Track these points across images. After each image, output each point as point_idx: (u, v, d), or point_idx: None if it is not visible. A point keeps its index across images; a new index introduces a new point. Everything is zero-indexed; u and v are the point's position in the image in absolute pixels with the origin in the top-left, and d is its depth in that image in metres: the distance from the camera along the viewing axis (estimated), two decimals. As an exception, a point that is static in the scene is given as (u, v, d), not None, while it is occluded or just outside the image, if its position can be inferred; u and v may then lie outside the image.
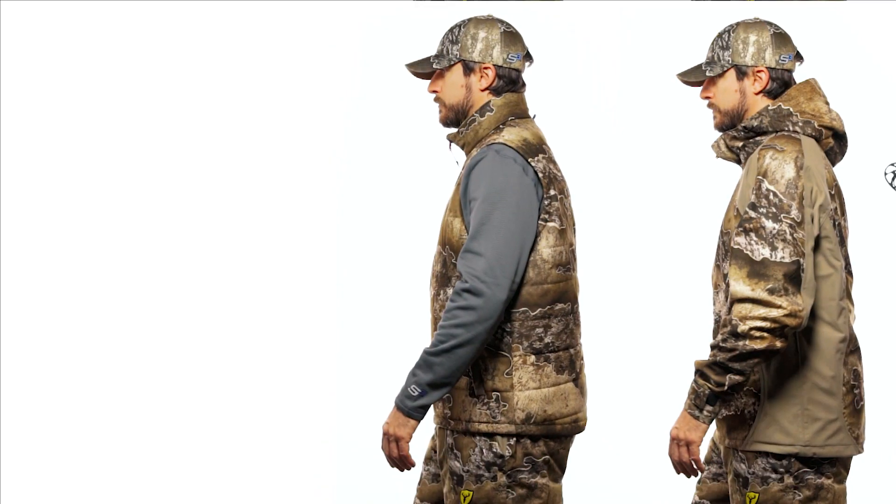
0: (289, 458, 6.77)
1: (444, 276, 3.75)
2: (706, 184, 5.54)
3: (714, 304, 3.69)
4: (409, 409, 3.64)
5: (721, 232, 3.65)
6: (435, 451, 3.95)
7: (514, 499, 3.71)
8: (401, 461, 3.72)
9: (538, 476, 3.73)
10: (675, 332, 6.44)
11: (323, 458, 6.80)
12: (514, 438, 3.70)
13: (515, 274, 3.62)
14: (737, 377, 3.45)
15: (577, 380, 3.80)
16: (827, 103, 3.67)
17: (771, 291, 3.41)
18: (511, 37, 3.82)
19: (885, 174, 4.31)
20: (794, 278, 3.42)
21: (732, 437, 3.63)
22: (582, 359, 3.85)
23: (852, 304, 3.66)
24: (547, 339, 3.71)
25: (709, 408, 3.48)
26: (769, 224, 3.45)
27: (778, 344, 3.41)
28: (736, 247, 3.47)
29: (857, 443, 3.63)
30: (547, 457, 3.74)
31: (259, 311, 6.88)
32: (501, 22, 3.84)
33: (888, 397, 5.80)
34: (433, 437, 3.96)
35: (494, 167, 3.64)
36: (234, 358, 6.84)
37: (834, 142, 3.67)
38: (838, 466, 3.62)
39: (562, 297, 3.74)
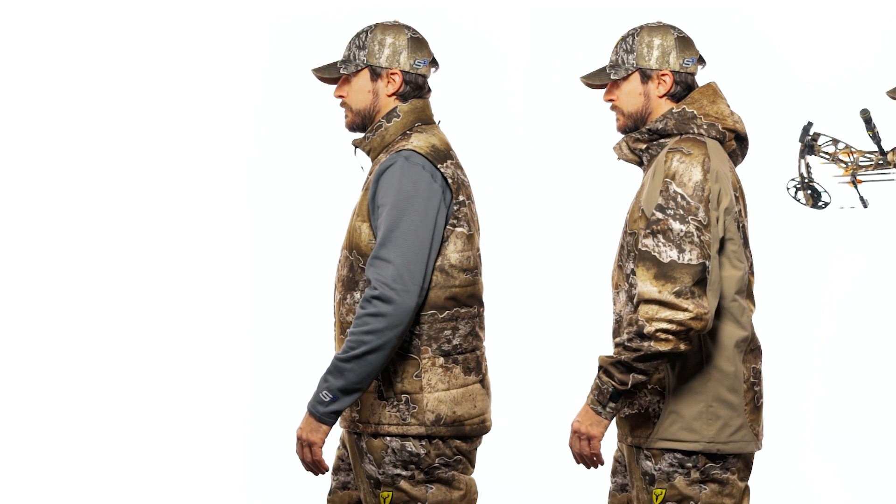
0: (198, 459, 6.76)
1: (350, 281, 3.76)
2: (608, 185, 5.58)
3: (615, 304, 3.72)
4: (321, 414, 3.65)
5: (624, 232, 3.68)
6: (342, 460, 3.95)
7: (434, 493, 3.74)
8: (314, 465, 3.73)
9: (454, 470, 3.77)
10: (575, 332, 6.50)
11: (232, 459, 6.78)
12: (426, 439, 3.72)
13: (424, 280, 3.65)
14: (640, 377, 3.48)
15: (483, 381, 3.84)
16: (728, 106, 3.71)
17: (678, 294, 3.44)
18: (418, 43, 3.84)
19: (788, 189, 4.36)
20: (700, 281, 3.46)
21: (636, 436, 3.66)
22: (486, 361, 3.88)
23: (754, 304, 3.70)
24: (455, 342, 3.75)
25: (611, 404, 3.52)
26: (677, 226, 3.49)
27: (682, 346, 3.45)
28: (644, 248, 3.51)
29: (758, 439, 3.68)
30: (459, 456, 3.77)
31: (168, 313, 6.87)
32: (408, 28, 3.86)
33: (785, 396, 5.90)
34: (339, 447, 3.97)
35: (403, 174, 3.66)
36: (144, 359, 6.83)
37: (736, 144, 3.72)
38: (741, 462, 3.67)
39: (469, 300, 3.78)
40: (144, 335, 6.84)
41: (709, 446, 3.59)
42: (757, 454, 3.76)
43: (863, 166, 4.27)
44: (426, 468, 3.73)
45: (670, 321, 3.43)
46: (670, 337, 3.44)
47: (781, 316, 6.26)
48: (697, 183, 3.51)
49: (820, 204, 4.34)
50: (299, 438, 3.70)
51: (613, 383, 3.50)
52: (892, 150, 4.16)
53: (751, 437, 3.65)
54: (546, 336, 6.83)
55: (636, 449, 3.67)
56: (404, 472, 3.73)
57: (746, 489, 3.70)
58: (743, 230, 3.65)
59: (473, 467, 3.86)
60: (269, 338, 6.94)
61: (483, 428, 3.83)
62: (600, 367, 3.53)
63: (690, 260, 3.46)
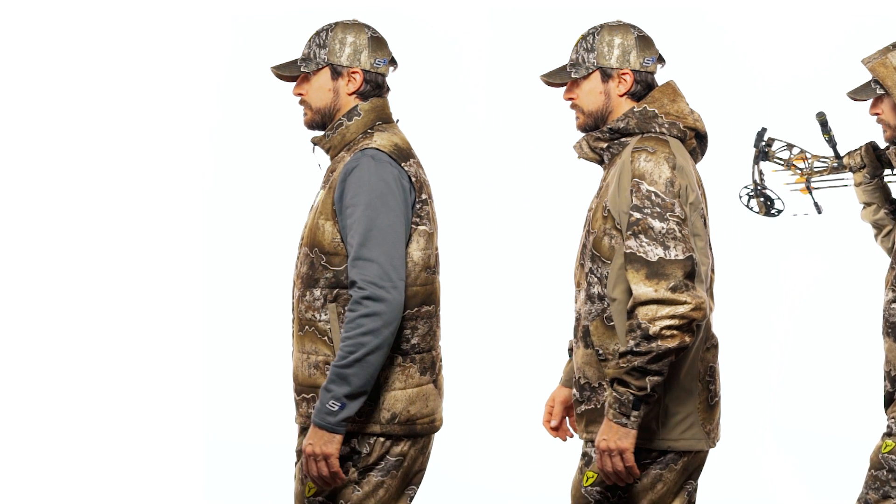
0: (156, 457, 6.72)
1: (310, 278, 3.76)
2: (567, 184, 5.59)
3: (575, 301, 3.73)
4: (333, 424, 3.63)
5: (586, 231, 3.69)
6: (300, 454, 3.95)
7: (359, 495, 3.75)
8: (332, 477, 3.69)
9: (388, 476, 3.77)
10: (532, 331, 6.51)
11: (191, 458, 6.75)
12: (375, 437, 3.73)
13: (406, 275, 3.68)
14: (656, 378, 3.47)
15: (437, 381, 3.85)
16: (688, 104, 3.73)
17: (674, 289, 3.45)
18: (378, 42, 3.86)
19: (740, 196, 4.36)
20: (691, 273, 3.48)
21: (590, 431, 3.67)
22: (441, 360, 3.90)
23: (713, 301, 3.72)
24: (413, 341, 3.76)
25: (635, 413, 3.49)
26: (657, 224, 3.49)
27: (688, 339, 3.46)
28: (629, 251, 3.51)
29: (709, 438, 3.69)
30: (400, 458, 3.78)
31: (126, 311, 6.84)
32: (368, 27, 3.87)
33: (742, 393, 5.93)
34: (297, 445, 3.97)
35: (373, 172, 3.67)
36: (102, 359, 6.79)
37: (696, 142, 3.74)
38: (689, 458, 3.68)
39: (427, 299, 3.79)
40: (102, 334, 6.81)
41: (660, 443, 3.61)
42: (714, 450, 3.77)
43: (818, 171, 4.27)
44: (362, 468, 3.74)
45: (672, 316, 3.44)
46: (675, 332, 3.44)
47: (739, 314, 6.29)
48: (668, 179, 3.53)
49: (773, 212, 4.34)
50: (311, 455, 3.66)
51: (632, 392, 3.47)
52: (848, 153, 4.16)
53: (701, 434, 3.65)
54: (503, 335, 6.84)
55: (588, 443, 3.69)
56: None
57: (692, 486, 3.72)
58: (707, 227, 3.67)
59: (422, 470, 3.89)
60: (226, 335, 6.93)
61: (433, 427, 3.84)
62: (613, 381, 3.51)
63: (677, 255, 3.47)
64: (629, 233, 3.51)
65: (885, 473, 3.82)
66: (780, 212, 4.35)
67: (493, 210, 6.94)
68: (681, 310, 3.44)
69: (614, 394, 3.49)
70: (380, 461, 3.75)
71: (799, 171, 4.29)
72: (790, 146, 4.32)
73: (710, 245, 3.68)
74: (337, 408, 3.61)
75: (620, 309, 3.59)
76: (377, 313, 3.59)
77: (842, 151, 4.26)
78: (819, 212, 4.34)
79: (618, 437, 3.50)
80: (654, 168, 3.54)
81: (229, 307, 6.94)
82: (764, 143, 4.33)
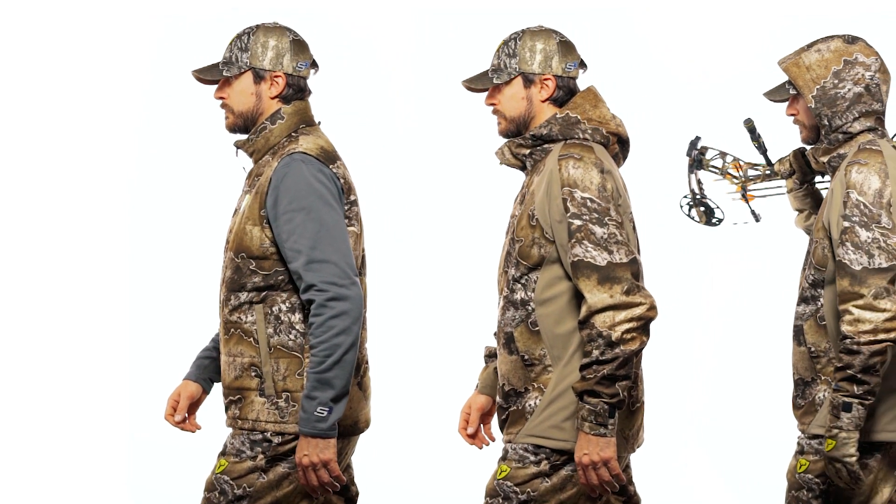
0: (80, 460, 6.70)
1: (235, 282, 3.75)
2: (489, 190, 5.59)
3: (498, 307, 3.72)
4: (325, 430, 3.65)
5: (511, 238, 3.68)
6: None
7: (263, 483, 3.75)
8: (332, 482, 3.70)
9: (295, 470, 3.76)
10: (454, 333, 6.51)
11: (114, 460, 6.74)
12: (294, 436, 3.72)
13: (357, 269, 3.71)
14: (626, 382, 3.49)
15: (361, 383, 3.85)
16: (609, 109, 3.73)
17: (627, 292, 3.48)
18: (300, 45, 3.85)
19: (681, 206, 4.35)
20: (637, 274, 3.51)
21: (509, 432, 3.68)
22: (367, 362, 3.89)
23: None
24: None
25: (611, 421, 3.49)
26: (598, 230, 3.50)
27: (646, 339, 3.50)
28: (575, 258, 3.51)
29: (628, 443, 3.69)
30: None
31: (49, 314, 6.81)
32: (289, 30, 3.86)
33: (667, 397, 5.94)
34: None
35: (307, 176, 3.68)
36: (24, 361, 6.76)
37: (618, 147, 3.74)
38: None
39: None
40: (24, 336, 6.77)
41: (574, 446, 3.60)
42: (640, 452, 3.78)
43: (752, 179, 4.26)
44: (271, 456, 3.74)
45: (630, 319, 3.47)
46: (635, 334, 3.47)
47: (664, 318, 6.30)
48: (599, 184, 3.54)
49: (714, 221, 4.33)
50: (311, 465, 3.66)
51: (605, 400, 3.48)
52: (779, 160, 4.16)
53: (619, 440, 3.66)
54: (426, 338, 6.84)
55: (509, 444, 3.68)
56: (249, 452, 3.74)
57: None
58: (634, 230, 3.69)
59: (343, 471, 3.88)
60: (150, 338, 6.92)
61: (355, 429, 3.85)
62: (583, 394, 3.50)
63: (622, 259, 3.50)
64: (573, 241, 3.51)
65: (806, 493, 3.82)
66: (720, 221, 4.35)
67: (415, 214, 6.93)
68: (637, 311, 3.47)
69: (587, 406, 3.48)
70: (290, 454, 3.74)
71: (735, 180, 4.29)
72: (723, 154, 4.30)
73: (637, 248, 3.70)
74: (326, 413, 3.63)
75: (546, 313, 3.60)
76: (344, 312, 3.61)
77: (773, 157, 4.25)
78: (757, 220, 4.33)
79: (599, 448, 3.50)
80: (584, 174, 3.54)
81: (155, 310, 6.94)
82: (697, 152, 4.32)
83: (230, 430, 3.84)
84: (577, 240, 3.51)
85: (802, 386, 3.85)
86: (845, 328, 3.61)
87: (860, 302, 3.61)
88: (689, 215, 4.37)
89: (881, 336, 3.59)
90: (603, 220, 3.51)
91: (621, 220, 3.54)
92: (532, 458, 3.62)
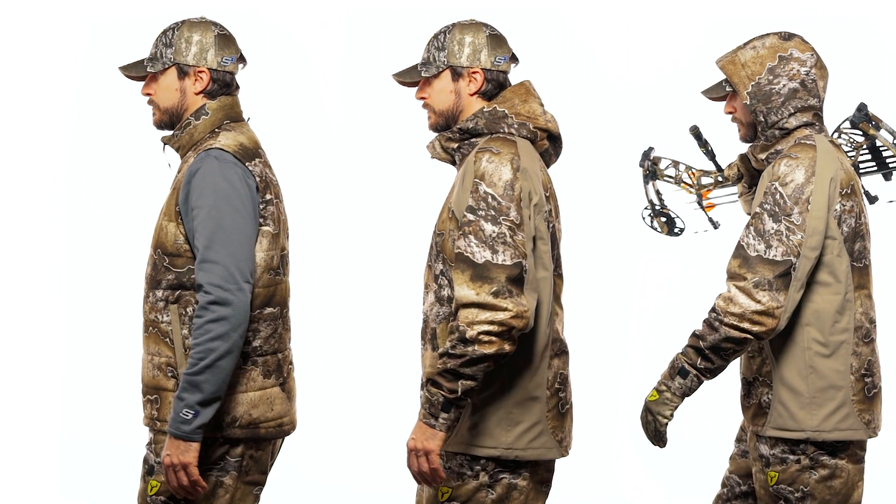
0: (12, 460, 6.64)
1: (153, 279, 3.72)
2: (422, 184, 5.57)
3: (423, 303, 3.67)
4: (188, 433, 3.58)
5: (434, 232, 3.63)
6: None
7: (199, 495, 3.69)
8: (192, 486, 3.63)
9: (227, 476, 3.71)
10: (388, 333, 6.50)
11: (47, 459, 6.67)
12: (214, 440, 3.68)
13: (252, 275, 3.62)
14: (469, 382, 3.41)
15: (285, 384, 3.79)
16: (542, 105, 3.68)
17: (496, 294, 3.39)
18: (225, 39, 3.81)
19: (643, 218, 4.33)
20: (516, 280, 3.42)
21: (452, 443, 3.60)
22: (291, 363, 3.84)
23: (560, 307, 3.65)
24: (255, 344, 3.70)
25: (444, 415, 3.44)
26: (489, 227, 3.44)
27: (507, 347, 3.40)
28: (458, 251, 3.45)
29: (561, 446, 3.63)
30: (240, 459, 3.73)
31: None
32: (215, 24, 3.82)
33: (595, 399, 5.92)
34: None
35: (217, 173, 3.63)
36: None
37: (549, 143, 3.69)
38: (541, 468, 3.63)
39: (271, 301, 3.73)
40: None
41: (507, 452, 3.55)
42: (568, 458, 3.72)
43: (706, 187, 4.24)
44: (201, 468, 3.68)
45: (491, 322, 3.38)
46: (493, 339, 3.39)
47: (593, 319, 6.30)
48: (507, 182, 3.48)
49: (676, 231, 4.32)
50: (170, 465, 3.60)
51: (443, 393, 3.42)
52: (728, 165, 4.14)
53: (552, 443, 3.60)
54: (359, 337, 6.83)
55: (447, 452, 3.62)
56: None
57: (543, 491, 3.67)
58: (553, 231, 3.62)
59: (264, 473, 3.82)
60: (82, 336, 6.91)
61: (280, 431, 3.78)
62: (428, 381, 3.46)
63: (504, 260, 3.42)
64: (460, 233, 3.46)
65: None
66: (682, 230, 4.33)
67: (348, 211, 6.93)
68: (500, 316, 3.39)
69: (426, 394, 3.45)
70: (219, 461, 3.70)
71: (689, 189, 4.27)
72: (676, 163, 4.29)
73: (556, 249, 3.63)
74: (191, 416, 3.56)
75: None
76: (224, 317, 3.55)
77: (724, 162, 4.23)
78: (716, 227, 4.31)
79: (425, 437, 3.45)
80: (495, 169, 3.48)
81: (86, 308, 6.94)
82: (650, 163, 4.29)
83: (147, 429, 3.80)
84: (465, 233, 3.45)
85: (747, 386, 3.85)
86: (717, 302, 3.65)
87: (741, 284, 3.64)
88: (651, 226, 4.35)
89: (745, 325, 3.62)
90: (498, 218, 3.45)
91: (520, 221, 3.47)
92: (469, 471, 3.57)
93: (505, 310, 3.39)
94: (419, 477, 3.52)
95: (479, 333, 3.39)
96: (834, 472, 3.76)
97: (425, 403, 3.46)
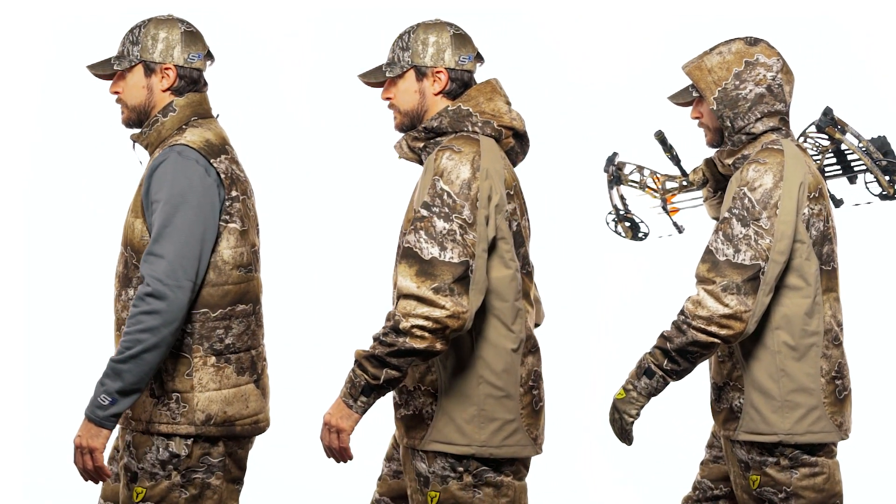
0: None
1: (125, 277, 3.72)
2: (390, 184, 5.57)
3: (392, 301, 3.67)
4: (101, 418, 3.58)
5: (401, 232, 3.63)
6: (118, 451, 3.90)
7: (187, 498, 3.69)
8: (96, 472, 3.64)
9: (213, 477, 3.71)
10: (359, 330, 6.49)
11: (10, 459, 6.67)
12: (192, 439, 3.67)
13: (196, 275, 3.61)
14: (393, 372, 3.43)
15: (259, 381, 3.79)
16: (508, 103, 3.69)
17: (436, 291, 3.40)
18: (191, 36, 3.81)
19: (608, 223, 4.34)
20: (461, 279, 3.42)
21: (411, 437, 3.61)
22: (265, 360, 3.84)
23: (530, 305, 3.65)
24: (228, 341, 3.70)
25: (363, 398, 3.46)
26: (440, 224, 3.45)
27: (438, 346, 3.41)
28: (407, 245, 3.46)
29: (536, 443, 3.64)
30: (223, 458, 3.72)
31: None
32: (182, 21, 3.83)
33: (569, 396, 5.92)
34: (116, 438, 3.93)
35: (176, 169, 3.62)
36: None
37: (515, 141, 3.70)
38: (517, 465, 3.62)
39: (243, 298, 3.73)
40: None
41: (481, 450, 3.55)
42: (540, 455, 3.73)
43: (670, 191, 4.26)
44: (184, 470, 3.68)
45: (427, 318, 3.39)
46: (426, 334, 3.40)
47: (566, 317, 6.30)
48: (465, 181, 3.48)
49: (640, 235, 4.33)
50: (79, 446, 3.62)
51: (367, 377, 3.45)
52: (693, 170, 4.15)
53: (527, 441, 3.60)
54: (331, 334, 6.81)
55: (411, 450, 3.62)
56: (162, 472, 3.68)
57: (523, 488, 3.66)
58: (519, 230, 3.62)
59: (243, 471, 3.82)
60: (48, 335, 6.90)
61: (256, 429, 3.78)
62: (356, 360, 3.48)
63: (452, 258, 3.43)
64: (411, 227, 3.47)
65: None
66: (646, 235, 4.34)
67: (317, 209, 6.94)
68: (437, 313, 3.40)
69: (351, 373, 3.47)
70: (201, 463, 3.69)
71: (654, 193, 4.28)
72: (641, 168, 4.30)
73: (522, 247, 3.64)
74: (108, 402, 3.57)
75: None
76: (157, 311, 3.55)
77: (687, 167, 4.24)
78: (680, 232, 4.33)
79: (341, 415, 3.50)
80: (454, 168, 3.49)
81: (52, 307, 6.92)
82: (615, 168, 4.30)
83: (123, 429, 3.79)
84: (416, 228, 3.47)
85: (717, 390, 3.86)
86: (686, 305, 3.67)
87: (709, 287, 3.65)
88: (615, 231, 4.36)
89: (713, 328, 3.63)
90: (451, 216, 3.46)
91: (473, 221, 3.47)
92: (452, 473, 3.57)
93: (443, 308, 3.40)
94: (328, 451, 3.56)
95: (413, 327, 3.40)
96: (815, 470, 3.78)
97: (348, 382, 3.49)
